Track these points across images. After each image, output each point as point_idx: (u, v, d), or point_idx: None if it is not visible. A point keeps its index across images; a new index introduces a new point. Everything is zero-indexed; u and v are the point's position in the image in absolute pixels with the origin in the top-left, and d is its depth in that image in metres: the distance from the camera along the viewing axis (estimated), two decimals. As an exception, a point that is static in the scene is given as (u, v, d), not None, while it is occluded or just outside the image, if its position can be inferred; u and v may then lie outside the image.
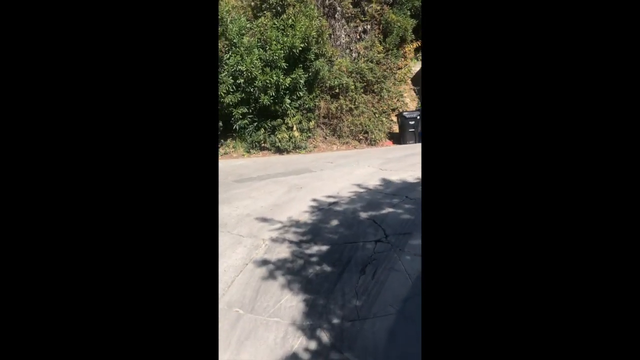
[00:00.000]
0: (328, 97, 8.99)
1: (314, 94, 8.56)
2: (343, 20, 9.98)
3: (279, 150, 7.98)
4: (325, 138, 8.98)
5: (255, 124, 7.89)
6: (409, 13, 10.72)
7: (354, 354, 1.47)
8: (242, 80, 7.31)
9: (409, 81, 11.37)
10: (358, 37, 10.16)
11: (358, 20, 10.12)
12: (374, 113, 9.33)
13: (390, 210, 2.96)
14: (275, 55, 7.32)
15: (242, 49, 7.45)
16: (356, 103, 9.18)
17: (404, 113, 9.09)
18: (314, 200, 3.47)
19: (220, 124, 7.63)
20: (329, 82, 8.79)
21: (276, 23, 7.95)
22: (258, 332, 1.64)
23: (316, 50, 8.13)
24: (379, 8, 10.16)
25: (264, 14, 8.21)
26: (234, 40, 7.46)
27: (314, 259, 2.30)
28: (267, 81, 7.23)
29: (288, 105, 7.93)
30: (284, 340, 1.58)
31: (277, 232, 2.75)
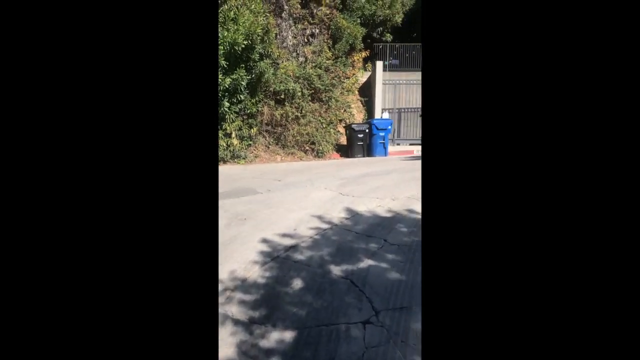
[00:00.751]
0: (272, 103, 8.13)
1: (256, 99, 7.63)
2: (290, 21, 9.21)
3: (215, 161, 6.86)
4: (268, 147, 8.08)
5: (186, 128, 6.69)
6: (359, 21, 10.36)
7: None
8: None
9: (357, 92, 10.99)
10: (306, 40, 9.48)
11: (306, 23, 9.45)
12: (322, 123, 8.69)
13: (370, 263, 2.24)
14: (214, 51, 6.25)
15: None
16: (303, 111, 8.44)
17: (353, 125, 8.60)
18: (265, 241, 2.62)
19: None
20: (273, 86, 7.94)
21: (215, 14, 6.89)
22: None
23: (261, 50, 7.24)
24: (328, 12, 9.60)
25: (201, 1, 7.09)
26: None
27: (274, 361, 1.47)
28: (203, 80, 6.13)
29: (227, 110, 6.91)
30: None
31: (213, 303, 1.84)
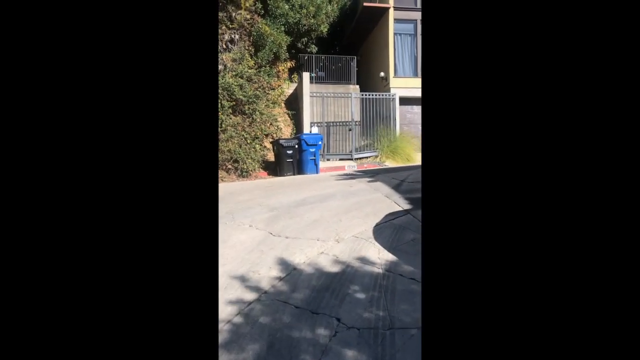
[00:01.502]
0: (186, 116, 6.94)
1: (165, 111, 6.39)
2: (205, 23, 8.15)
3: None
4: (182, 168, 6.83)
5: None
6: (283, 29, 9.71)
7: None
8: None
9: (283, 104, 10.28)
10: (224, 46, 8.49)
11: (224, 27, 8.47)
12: (245, 138, 7.74)
13: (323, 372, 1.44)
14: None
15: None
16: (224, 125, 7.42)
17: (281, 140, 7.82)
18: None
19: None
20: (187, 96, 6.78)
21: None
22: None
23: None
24: (249, 17, 8.76)
25: None
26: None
27: None
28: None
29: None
30: None
31: None
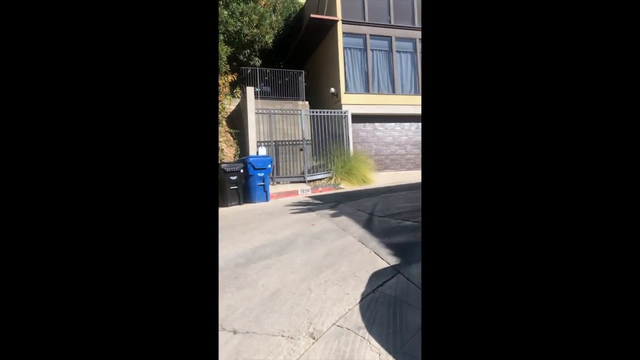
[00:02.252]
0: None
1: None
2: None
3: None
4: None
5: None
6: (222, 38, 8.66)
7: None
8: None
9: (224, 122, 9.13)
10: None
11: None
12: (180, 163, 6.47)
13: None
14: None
15: None
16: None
17: (223, 165, 6.70)
18: None
19: None
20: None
21: None
22: None
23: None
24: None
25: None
26: None
27: None
28: None
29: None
30: None
31: None
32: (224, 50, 8.37)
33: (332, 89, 10.41)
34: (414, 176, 9.69)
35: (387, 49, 10.88)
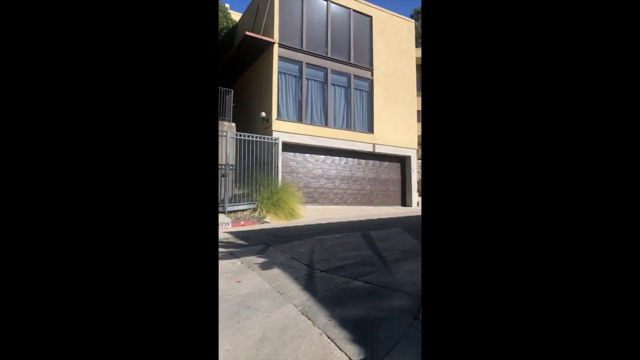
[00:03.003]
0: None
1: None
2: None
3: None
4: None
5: None
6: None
7: None
8: None
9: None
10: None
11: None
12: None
13: None
14: None
15: None
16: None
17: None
18: None
19: None
20: None
21: None
22: None
23: None
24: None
25: None
26: None
27: None
28: None
29: None
30: None
31: None
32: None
33: (263, 113, 9.68)
34: (342, 212, 9.28)
35: (323, 80, 10.64)
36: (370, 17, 11.60)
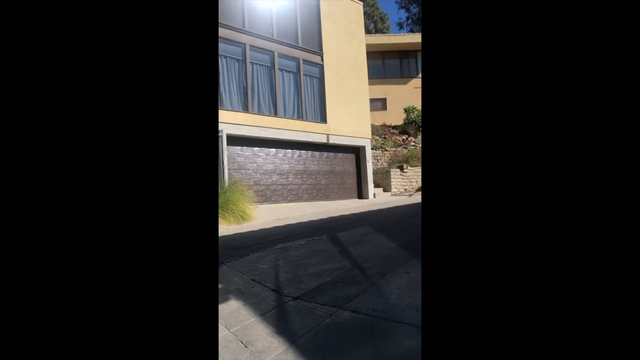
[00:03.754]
0: None
1: None
2: None
3: None
4: None
5: None
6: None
7: None
8: None
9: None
10: None
11: None
12: None
13: None
14: None
15: None
16: None
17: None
18: None
19: None
20: None
21: None
22: None
23: None
24: None
25: None
26: None
27: None
28: None
29: None
30: None
31: None
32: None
33: (203, 103, 8.46)
34: (299, 210, 8.49)
35: (270, 64, 9.65)
36: (317, -3, 10.79)
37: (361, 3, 12.40)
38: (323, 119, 10.55)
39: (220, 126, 8.18)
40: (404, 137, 14.89)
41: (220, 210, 6.99)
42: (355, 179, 11.58)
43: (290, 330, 2.19)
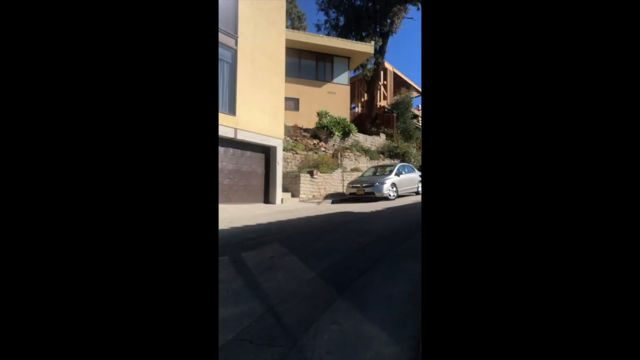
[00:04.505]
0: None
1: None
2: None
3: None
4: None
5: None
6: None
7: None
8: None
9: None
10: None
11: None
12: None
13: None
14: None
15: None
16: None
17: None
18: None
19: None
20: None
21: None
22: None
23: None
24: None
25: None
26: None
27: None
28: None
29: None
30: None
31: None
32: None
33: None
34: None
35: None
36: (236, -27, 9.58)
37: (284, -8, 11.56)
38: (232, 111, 9.35)
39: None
40: (316, 142, 14.50)
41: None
42: (263, 181, 10.62)
43: None
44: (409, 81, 23.94)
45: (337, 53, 16.91)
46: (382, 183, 10.67)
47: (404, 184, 11.59)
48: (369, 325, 2.26)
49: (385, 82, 22.23)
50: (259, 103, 10.06)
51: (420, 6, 17.79)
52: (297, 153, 12.98)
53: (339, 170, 13.16)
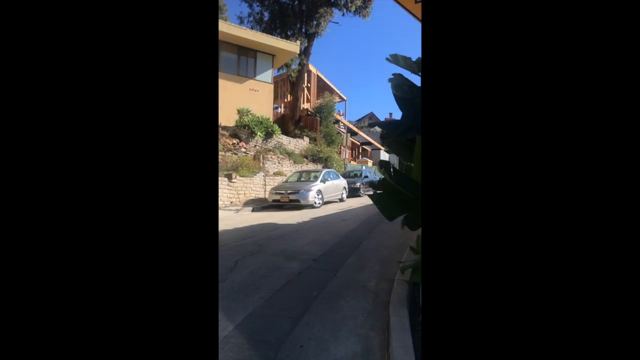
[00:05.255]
0: None
1: None
2: None
3: None
4: None
5: None
6: None
7: None
8: None
9: None
10: None
11: None
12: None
13: None
14: None
15: None
16: None
17: None
18: None
19: None
20: None
21: None
22: None
23: None
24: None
25: None
26: None
27: None
28: None
29: None
30: None
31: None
32: None
33: None
34: None
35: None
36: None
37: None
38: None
39: None
40: (235, 142, 13.32)
41: None
42: (172, 185, 9.19)
43: None
44: (332, 86, 23.96)
45: (261, 49, 15.91)
46: (308, 190, 10.09)
47: (329, 191, 11.22)
48: None
49: (309, 85, 21.85)
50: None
51: (345, 12, 17.82)
52: (214, 154, 11.67)
53: (261, 174, 12.23)
